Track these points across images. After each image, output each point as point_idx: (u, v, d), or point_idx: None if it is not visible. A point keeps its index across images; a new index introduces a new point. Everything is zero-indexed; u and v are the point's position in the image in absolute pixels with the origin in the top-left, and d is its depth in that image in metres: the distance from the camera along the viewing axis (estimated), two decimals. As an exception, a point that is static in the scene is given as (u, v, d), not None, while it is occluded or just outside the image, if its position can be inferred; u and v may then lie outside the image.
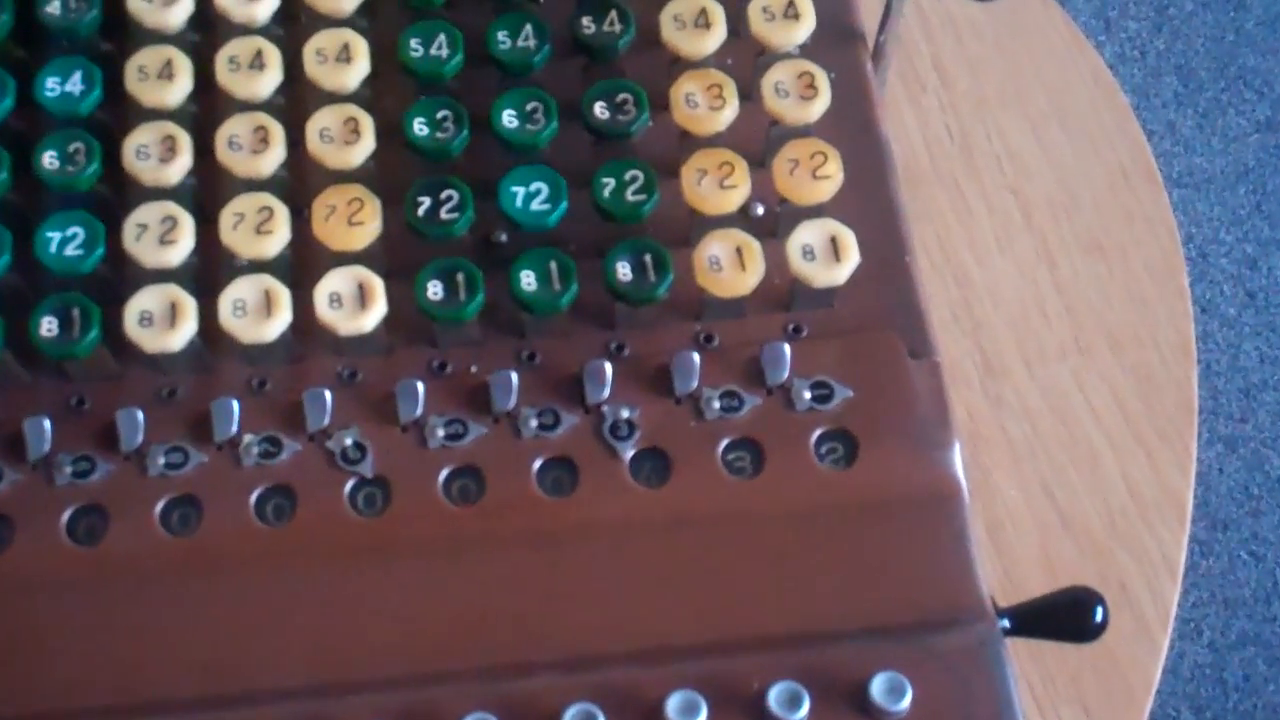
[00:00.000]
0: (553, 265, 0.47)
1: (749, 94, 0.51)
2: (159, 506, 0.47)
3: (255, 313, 0.47)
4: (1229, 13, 1.50)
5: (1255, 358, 1.38)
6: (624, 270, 0.48)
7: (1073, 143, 0.72)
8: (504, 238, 0.50)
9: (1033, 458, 0.65)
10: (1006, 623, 0.46)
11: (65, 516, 0.47)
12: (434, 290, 0.47)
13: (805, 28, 0.51)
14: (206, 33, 0.52)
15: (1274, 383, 1.37)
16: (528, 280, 0.47)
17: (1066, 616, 0.47)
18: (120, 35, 0.52)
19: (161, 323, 0.47)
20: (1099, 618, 0.46)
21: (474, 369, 0.49)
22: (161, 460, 0.47)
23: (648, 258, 0.48)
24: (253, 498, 0.47)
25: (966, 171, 0.70)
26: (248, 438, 0.47)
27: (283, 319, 0.47)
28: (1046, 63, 0.74)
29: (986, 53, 0.74)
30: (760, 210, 0.51)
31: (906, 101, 0.72)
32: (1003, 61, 0.74)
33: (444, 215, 0.48)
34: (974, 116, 0.72)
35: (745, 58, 0.52)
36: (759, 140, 0.51)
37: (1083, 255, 0.69)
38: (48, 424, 0.47)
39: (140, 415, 0.47)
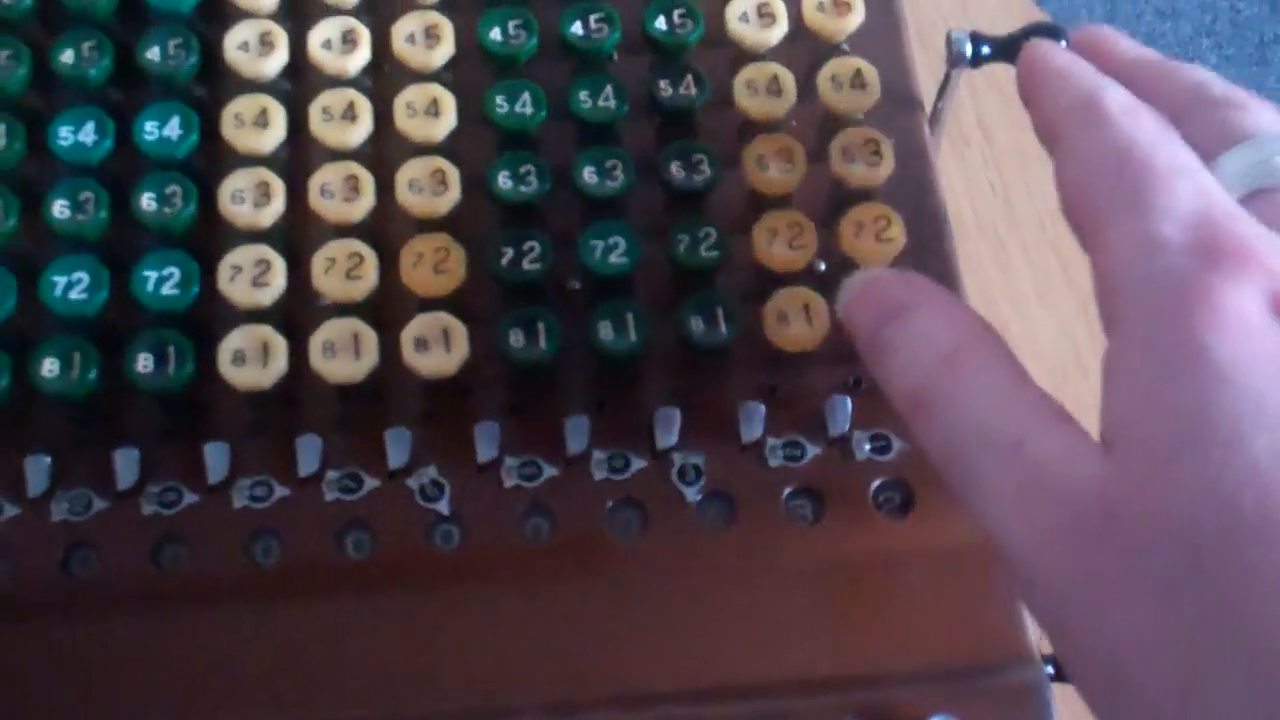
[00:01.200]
0: (628, 316, 0.49)
1: (813, 156, 0.53)
2: (242, 537, 0.48)
3: (344, 354, 0.49)
4: (1251, 67, 1.52)
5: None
6: (696, 323, 0.50)
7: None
8: (577, 285, 0.52)
9: (1067, 507, 0.66)
10: (1050, 669, 0.48)
11: (151, 544, 0.48)
12: (515, 338, 0.49)
13: (871, 97, 0.53)
14: (298, 82, 0.54)
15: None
16: (604, 330, 0.49)
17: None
18: (213, 81, 0.53)
19: (254, 361, 0.48)
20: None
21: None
22: (246, 493, 0.49)
23: (719, 311, 0.50)
24: (333, 531, 0.49)
25: (1008, 225, 0.72)
26: (330, 474, 0.49)
27: (369, 360, 0.49)
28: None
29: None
30: (823, 267, 0.52)
31: (951, 155, 0.73)
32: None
33: (526, 265, 0.50)
34: (1016, 173, 0.74)
35: (811, 120, 0.54)
36: (822, 199, 0.53)
37: (1119, 312, 0.71)
38: (136, 454, 0.49)
39: (227, 449, 0.49)
